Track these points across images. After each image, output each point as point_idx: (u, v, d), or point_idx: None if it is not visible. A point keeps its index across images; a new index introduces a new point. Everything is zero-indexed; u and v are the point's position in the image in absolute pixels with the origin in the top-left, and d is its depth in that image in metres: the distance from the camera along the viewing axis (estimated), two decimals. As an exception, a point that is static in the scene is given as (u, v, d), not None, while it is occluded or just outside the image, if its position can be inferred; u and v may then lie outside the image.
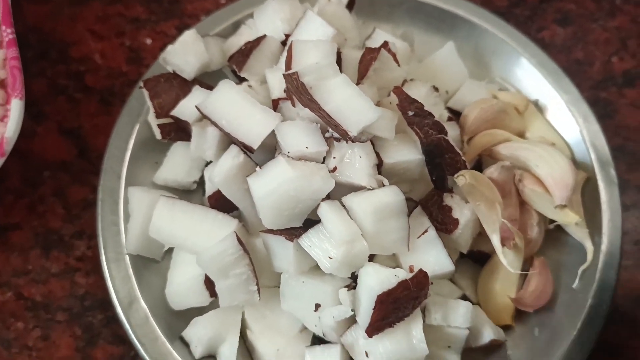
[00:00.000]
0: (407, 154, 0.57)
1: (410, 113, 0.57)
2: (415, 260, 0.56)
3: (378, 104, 0.59)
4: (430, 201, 0.58)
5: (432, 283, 0.56)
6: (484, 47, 0.72)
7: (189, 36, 0.65)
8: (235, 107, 0.57)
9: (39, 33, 0.78)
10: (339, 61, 0.60)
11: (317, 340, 0.58)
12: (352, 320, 0.54)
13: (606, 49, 0.80)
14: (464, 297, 0.60)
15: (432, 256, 0.56)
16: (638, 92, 0.77)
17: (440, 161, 0.57)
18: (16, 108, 0.63)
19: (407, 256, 0.56)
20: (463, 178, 0.56)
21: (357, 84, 0.58)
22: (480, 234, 0.60)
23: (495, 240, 0.56)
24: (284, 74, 0.56)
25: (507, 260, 0.56)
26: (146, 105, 0.65)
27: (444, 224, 0.57)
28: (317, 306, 0.55)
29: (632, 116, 0.76)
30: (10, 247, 0.68)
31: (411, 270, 0.54)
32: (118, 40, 0.78)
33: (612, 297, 0.59)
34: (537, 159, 0.60)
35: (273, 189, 0.53)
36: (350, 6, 0.68)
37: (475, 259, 0.62)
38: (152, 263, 0.62)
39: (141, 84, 0.64)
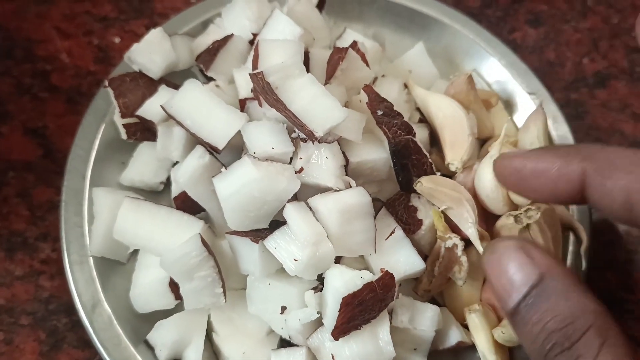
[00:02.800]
0: (373, 152, 0.57)
1: (380, 112, 0.57)
2: (386, 262, 0.55)
3: (347, 104, 0.59)
4: (397, 201, 0.58)
5: (400, 285, 0.56)
6: (454, 47, 0.72)
7: (155, 35, 0.64)
8: (200, 107, 0.56)
9: (4, 31, 0.77)
10: (306, 61, 0.59)
11: (284, 343, 0.57)
12: (318, 323, 0.53)
13: (578, 50, 0.80)
14: (432, 299, 0.60)
15: (402, 256, 0.56)
16: (609, 93, 0.77)
17: (407, 162, 0.57)
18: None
19: (377, 258, 0.55)
20: (420, 184, 0.56)
21: (325, 84, 0.58)
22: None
23: (472, 234, 0.55)
24: (250, 74, 0.55)
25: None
26: (112, 105, 0.63)
27: (408, 224, 0.56)
28: (284, 309, 0.54)
29: (602, 117, 0.76)
30: (-27, 249, 0.66)
31: (382, 272, 0.53)
32: (86, 39, 0.77)
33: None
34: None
35: (237, 189, 0.52)
36: (320, 6, 0.68)
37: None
38: (118, 265, 0.61)
39: (106, 82, 0.63)
